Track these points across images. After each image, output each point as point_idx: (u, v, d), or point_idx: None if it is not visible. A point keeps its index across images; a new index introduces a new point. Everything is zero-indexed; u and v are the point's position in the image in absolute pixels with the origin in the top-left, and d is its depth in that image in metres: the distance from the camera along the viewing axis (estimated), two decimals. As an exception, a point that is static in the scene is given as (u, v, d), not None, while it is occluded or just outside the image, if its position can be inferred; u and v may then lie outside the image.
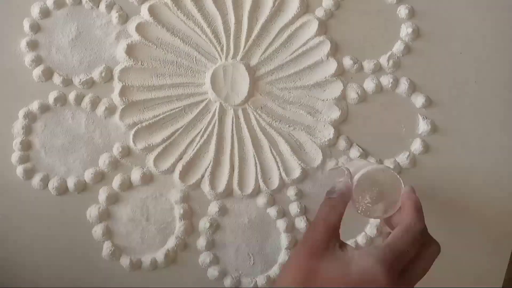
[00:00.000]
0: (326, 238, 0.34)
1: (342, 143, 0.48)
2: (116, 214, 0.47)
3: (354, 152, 0.48)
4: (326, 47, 0.48)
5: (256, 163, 0.47)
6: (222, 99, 0.47)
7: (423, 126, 0.49)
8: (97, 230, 0.46)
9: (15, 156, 0.46)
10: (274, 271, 0.48)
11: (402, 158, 0.49)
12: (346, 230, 0.49)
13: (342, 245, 0.35)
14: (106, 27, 0.46)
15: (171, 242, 0.47)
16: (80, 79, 0.46)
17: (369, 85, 0.48)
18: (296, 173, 0.48)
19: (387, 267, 0.32)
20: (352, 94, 0.48)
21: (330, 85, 0.48)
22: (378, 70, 0.48)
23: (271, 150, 0.48)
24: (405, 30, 0.48)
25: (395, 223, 0.38)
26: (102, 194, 0.46)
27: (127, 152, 0.46)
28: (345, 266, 0.33)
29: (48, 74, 0.46)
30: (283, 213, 0.48)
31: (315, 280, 0.32)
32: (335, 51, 0.48)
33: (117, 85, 0.46)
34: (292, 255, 0.35)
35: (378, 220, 0.48)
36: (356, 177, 0.38)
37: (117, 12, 0.46)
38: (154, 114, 0.47)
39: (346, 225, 0.49)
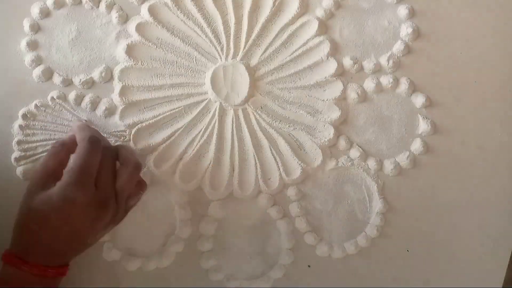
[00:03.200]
0: (43, 179, 0.39)
1: (342, 143, 0.48)
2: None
3: (354, 152, 0.48)
4: (326, 47, 0.48)
5: (256, 163, 0.47)
6: (222, 99, 0.47)
7: (423, 126, 0.49)
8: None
9: (15, 156, 0.46)
10: (275, 271, 0.48)
11: (402, 158, 0.49)
12: (347, 231, 0.49)
13: (56, 183, 0.39)
14: (106, 27, 0.46)
15: (171, 242, 0.47)
16: (80, 79, 0.46)
17: (369, 85, 0.48)
18: (296, 173, 0.48)
19: (77, 185, 0.38)
20: (352, 94, 0.48)
21: (330, 85, 0.48)
22: (378, 70, 0.48)
23: (271, 150, 0.48)
24: (405, 30, 0.48)
25: None
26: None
27: (127, 152, 0.46)
28: (50, 197, 0.38)
29: (48, 74, 0.46)
30: (283, 213, 0.48)
31: (28, 214, 0.39)
32: (335, 51, 0.48)
33: (117, 85, 0.46)
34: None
35: (379, 221, 0.48)
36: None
37: (117, 12, 0.46)
38: (154, 114, 0.47)
39: (347, 226, 0.49)
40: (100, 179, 0.39)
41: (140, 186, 0.43)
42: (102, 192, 0.39)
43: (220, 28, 0.47)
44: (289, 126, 0.48)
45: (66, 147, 0.41)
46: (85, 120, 0.45)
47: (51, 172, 0.40)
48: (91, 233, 0.40)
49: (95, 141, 0.40)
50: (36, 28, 0.46)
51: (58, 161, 0.40)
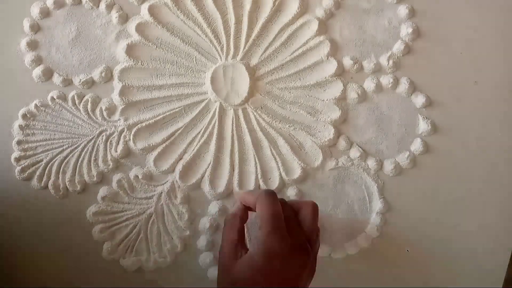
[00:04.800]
0: (233, 251, 0.40)
1: (342, 143, 0.48)
2: (115, 214, 0.47)
3: (354, 152, 0.48)
4: (326, 47, 0.48)
5: (256, 163, 0.47)
6: (222, 99, 0.47)
7: (423, 126, 0.49)
8: (97, 230, 0.46)
9: (15, 156, 0.46)
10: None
11: (402, 158, 0.49)
12: (347, 231, 0.49)
13: (245, 251, 0.40)
14: (106, 27, 0.46)
15: (171, 242, 0.47)
16: (80, 79, 0.46)
17: (369, 85, 0.48)
18: (296, 173, 0.48)
19: (275, 235, 0.37)
20: (352, 94, 0.48)
21: (330, 85, 0.48)
22: (378, 70, 0.48)
23: (271, 150, 0.48)
24: (405, 30, 0.48)
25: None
26: (102, 194, 0.46)
27: (127, 152, 0.47)
28: (251, 258, 0.38)
29: (48, 74, 0.46)
30: (283, 213, 0.48)
31: (235, 284, 0.38)
32: (335, 51, 0.48)
33: (117, 85, 0.46)
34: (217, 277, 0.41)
35: (379, 221, 0.48)
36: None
37: (117, 12, 0.46)
38: (154, 114, 0.47)
39: (347, 226, 0.49)
40: (289, 226, 0.39)
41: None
42: (297, 237, 0.39)
43: (220, 28, 0.47)
44: (289, 126, 0.48)
45: (239, 216, 0.42)
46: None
47: (236, 242, 0.40)
48: (301, 282, 0.39)
49: (271, 193, 0.40)
50: (36, 28, 0.46)
51: (238, 232, 0.41)
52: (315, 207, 0.41)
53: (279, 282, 0.37)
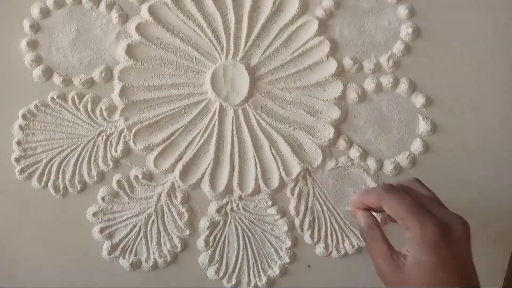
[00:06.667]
0: (393, 263, 0.36)
1: (342, 143, 0.48)
2: (115, 213, 0.47)
3: (354, 152, 0.48)
4: (326, 47, 0.48)
5: (256, 163, 0.47)
6: (222, 99, 0.47)
7: (423, 126, 0.49)
8: (97, 230, 0.46)
9: (15, 156, 0.46)
10: (274, 271, 0.48)
11: (402, 158, 0.49)
12: (347, 231, 0.49)
13: (401, 256, 0.37)
14: (106, 27, 0.46)
15: (171, 242, 0.47)
16: (80, 79, 0.46)
17: (369, 85, 0.48)
18: (296, 173, 0.48)
19: (426, 223, 0.35)
20: (352, 94, 0.48)
21: (330, 85, 0.48)
22: (378, 70, 0.48)
23: (271, 150, 0.48)
24: (405, 30, 0.48)
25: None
26: (102, 194, 0.46)
27: (127, 152, 0.47)
28: (418, 263, 0.35)
29: (48, 74, 0.46)
30: (283, 213, 0.48)
31: None
32: (335, 51, 0.48)
33: (117, 85, 0.46)
34: None
35: (379, 220, 0.48)
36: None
37: (117, 12, 0.46)
38: (154, 114, 0.47)
39: (347, 226, 0.49)
40: (426, 207, 0.36)
41: None
42: (440, 213, 0.37)
43: (220, 28, 0.47)
44: (289, 126, 0.48)
45: (374, 225, 0.39)
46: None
47: (390, 253, 0.37)
48: (469, 252, 0.37)
49: (391, 187, 0.38)
50: (36, 28, 0.46)
51: (384, 241, 0.38)
52: (417, 180, 0.40)
53: (456, 265, 0.35)
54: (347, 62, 0.48)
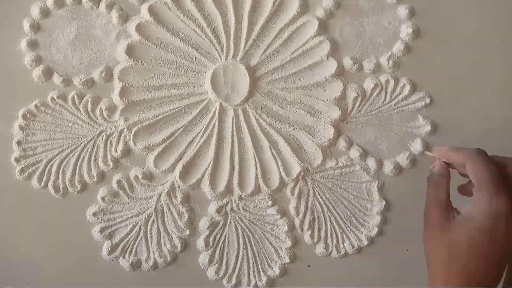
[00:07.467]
0: (445, 212, 0.38)
1: (342, 143, 0.48)
2: (115, 213, 0.47)
3: (354, 152, 0.48)
4: (326, 47, 0.48)
5: (256, 163, 0.47)
6: (222, 99, 0.47)
7: (423, 126, 0.49)
8: (97, 230, 0.46)
9: (15, 156, 0.46)
10: (274, 271, 0.48)
11: (402, 158, 0.49)
12: (347, 230, 0.49)
13: (455, 211, 0.38)
14: (106, 27, 0.46)
15: (171, 242, 0.47)
16: (80, 79, 0.46)
17: (369, 85, 0.48)
18: (296, 173, 0.48)
19: (497, 196, 0.36)
20: (352, 94, 0.48)
21: (330, 85, 0.48)
22: (378, 70, 0.48)
23: (271, 150, 0.48)
24: (405, 30, 0.48)
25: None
26: (102, 193, 0.46)
27: (127, 152, 0.47)
28: (470, 219, 0.36)
29: (48, 74, 0.46)
30: (283, 213, 0.48)
31: (453, 246, 0.37)
32: (335, 51, 0.48)
33: (117, 85, 0.46)
34: (424, 240, 0.40)
35: (379, 220, 0.48)
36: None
37: (117, 12, 0.46)
38: (154, 114, 0.47)
39: (347, 226, 0.49)
40: (507, 185, 0.37)
41: None
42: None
43: (220, 28, 0.47)
44: (289, 126, 0.48)
45: (445, 176, 0.40)
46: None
47: (447, 203, 0.39)
48: None
49: (484, 152, 0.39)
50: (36, 28, 0.46)
51: (446, 192, 0.39)
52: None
53: (502, 243, 0.36)
54: (347, 62, 0.48)
